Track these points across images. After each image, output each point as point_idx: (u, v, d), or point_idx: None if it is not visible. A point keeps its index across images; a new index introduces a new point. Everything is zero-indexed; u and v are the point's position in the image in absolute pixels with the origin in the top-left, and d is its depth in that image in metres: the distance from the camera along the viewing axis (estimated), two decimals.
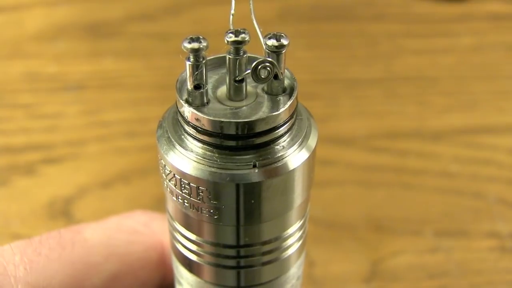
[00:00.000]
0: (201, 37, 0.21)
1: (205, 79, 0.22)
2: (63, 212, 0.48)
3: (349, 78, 0.60)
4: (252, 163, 0.21)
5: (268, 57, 0.22)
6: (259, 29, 0.22)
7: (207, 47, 0.21)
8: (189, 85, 0.22)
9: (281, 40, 0.21)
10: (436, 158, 0.52)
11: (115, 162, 0.51)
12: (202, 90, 0.22)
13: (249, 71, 0.21)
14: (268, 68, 0.21)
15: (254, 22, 0.22)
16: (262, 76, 0.22)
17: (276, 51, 0.21)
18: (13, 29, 0.65)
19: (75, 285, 0.27)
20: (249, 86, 0.23)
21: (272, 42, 0.21)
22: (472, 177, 0.51)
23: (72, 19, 0.66)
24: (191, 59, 0.21)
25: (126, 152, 0.52)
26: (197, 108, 0.22)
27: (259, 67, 0.21)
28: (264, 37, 0.22)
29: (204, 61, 0.21)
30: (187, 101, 0.22)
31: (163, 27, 0.65)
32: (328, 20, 0.68)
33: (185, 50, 0.21)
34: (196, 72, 0.21)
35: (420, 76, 0.61)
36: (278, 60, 0.22)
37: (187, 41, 0.21)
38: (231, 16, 0.22)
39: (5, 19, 0.67)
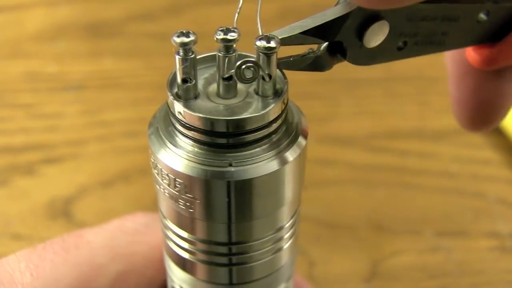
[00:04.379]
0: (190, 32, 0.21)
1: (194, 73, 0.22)
2: (63, 212, 0.48)
3: (349, 78, 0.60)
4: (227, 161, 0.21)
5: (259, 58, 0.21)
6: (261, 30, 0.22)
7: (195, 41, 0.21)
8: (178, 79, 0.22)
9: (271, 42, 0.21)
10: (436, 158, 0.53)
11: (115, 162, 0.51)
12: (189, 84, 0.22)
13: (233, 70, 0.22)
14: (253, 69, 0.21)
15: (258, 23, 0.22)
16: (247, 76, 0.21)
17: (266, 53, 0.21)
18: (13, 29, 0.65)
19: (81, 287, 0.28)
20: (243, 85, 0.23)
21: (261, 43, 0.21)
22: (472, 177, 0.51)
23: (72, 19, 0.66)
24: (181, 53, 0.21)
25: (126, 152, 0.52)
26: (185, 102, 0.22)
27: (243, 67, 0.21)
28: (256, 38, 0.21)
29: (193, 56, 0.21)
30: (177, 95, 0.22)
31: (163, 27, 0.65)
32: None
33: (174, 44, 0.21)
34: (184, 65, 0.21)
35: (420, 76, 0.61)
36: (268, 62, 0.21)
37: (176, 35, 0.21)
38: (236, 15, 0.22)
39: (5, 19, 0.67)
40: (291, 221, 0.25)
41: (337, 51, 0.23)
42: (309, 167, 0.58)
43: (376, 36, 0.22)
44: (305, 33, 0.22)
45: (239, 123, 0.21)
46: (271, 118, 0.22)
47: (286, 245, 0.25)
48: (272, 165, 0.22)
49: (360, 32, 0.22)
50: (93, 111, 0.56)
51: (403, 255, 0.45)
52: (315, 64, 0.23)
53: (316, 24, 0.22)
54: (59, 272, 0.27)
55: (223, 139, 0.21)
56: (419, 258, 0.45)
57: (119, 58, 0.62)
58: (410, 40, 0.24)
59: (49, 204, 0.48)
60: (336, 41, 0.22)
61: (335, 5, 0.22)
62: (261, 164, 0.22)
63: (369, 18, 0.22)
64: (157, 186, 0.23)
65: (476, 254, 0.46)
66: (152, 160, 0.23)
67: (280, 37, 0.21)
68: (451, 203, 0.49)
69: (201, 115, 0.21)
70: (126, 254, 0.29)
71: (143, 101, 0.57)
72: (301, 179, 0.24)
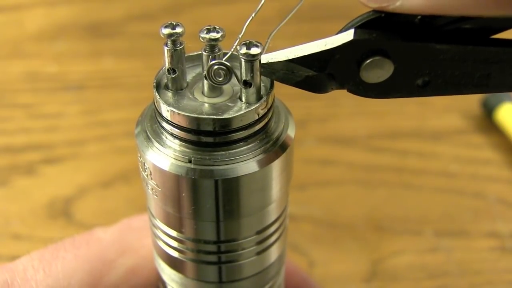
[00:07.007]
0: (179, 24, 0.21)
1: (180, 65, 0.22)
2: (63, 212, 0.48)
3: None
4: (187, 158, 0.22)
5: (241, 64, 0.21)
6: (269, 38, 0.22)
7: (181, 34, 0.21)
8: (165, 69, 0.22)
9: (251, 49, 0.21)
10: (436, 158, 0.53)
11: (115, 162, 0.51)
12: (173, 75, 0.22)
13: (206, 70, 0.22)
14: (223, 71, 0.21)
15: (272, 33, 0.22)
16: (218, 79, 0.21)
17: (247, 60, 0.21)
18: (13, 29, 0.65)
19: (93, 283, 0.28)
20: (232, 87, 0.23)
21: (242, 50, 0.21)
22: (472, 177, 0.51)
23: (72, 19, 0.66)
24: (168, 44, 0.22)
25: (126, 152, 0.52)
26: (168, 97, 0.22)
27: (214, 67, 0.21)
28: (241, 43, 0.21)
29: (180, 47, 0.22)
30: (165, 86, 0.23)
31: None
32: (328, 20, 0.68)
33: (162, 36, 0.21)
34: (171, 56, 0.22)
35: None
36: (251, 69, 0.21)
37: (164, 26, 0.21)
38: (250, 18, 0.22)
39: (5, 19, 0.67)
40: (279, 219, 0.25)
41: (333, 79, 0.22)
42: (309, 167, 0.58)
43: (376, 73, 0.21)
44: (291, 61, 0.21)
45: (216, 122, 0.21)
46: (259, 116, 0.22)
47: (274, 243, 0.25)
48: (256, 165, 0.22)
49: (358, 66, 0.21)
50: (93, 111, 0.56)
51: (403, 255, 0.45)
52: (308, 83, 0.22)
53: (304, 54, 0.21)
54: (71, 268, 0.28)
55: (207, 137, 0.21)
56: (419, 258, 0.45)
57: (119, 58, 0.62)
58: (434, 79, 0.22)
59: (49, 204, 0.48)
60: (327, 73, 0.22)
61: (336, 34, 0.21)
62: (246, 163, 0.22)
63: (365, 54, 0.21)
64: (146, 186, 0.24)
65: (476, 254, 0.46)
66: (140, 160, 0.23)
67: (263, 63, 0.21)
68: (451, 203, 0.49)
69: (178, 111, 0.21)
70: (135, 249, 0.30)
71: (143, 101, 0.57)
72: (288, 177, 0.24)
